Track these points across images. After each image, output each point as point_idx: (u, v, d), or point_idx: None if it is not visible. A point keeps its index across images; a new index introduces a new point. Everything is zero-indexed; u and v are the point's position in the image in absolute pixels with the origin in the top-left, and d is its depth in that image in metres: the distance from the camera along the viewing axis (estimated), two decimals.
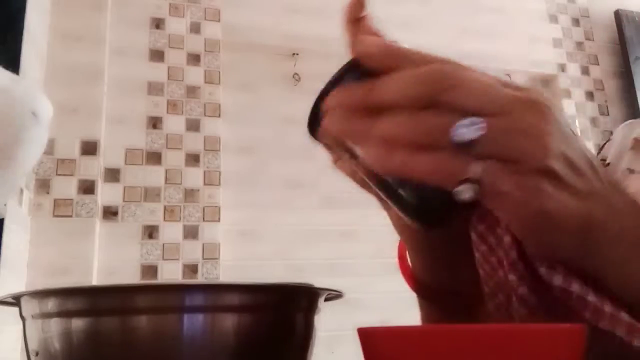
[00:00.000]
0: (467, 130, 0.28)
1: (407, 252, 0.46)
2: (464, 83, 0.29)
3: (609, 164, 0.50)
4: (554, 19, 2.69)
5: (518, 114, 0.29)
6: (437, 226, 0.34)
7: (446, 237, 0.41)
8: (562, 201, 0.29)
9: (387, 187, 0.34)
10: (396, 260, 0.46)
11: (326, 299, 0.47)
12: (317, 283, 0.43)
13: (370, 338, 0.29)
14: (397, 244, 0.46)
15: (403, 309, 2.30)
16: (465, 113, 0.28)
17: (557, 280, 0.32)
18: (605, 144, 0.54)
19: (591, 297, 0.32)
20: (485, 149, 0.28)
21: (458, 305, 0.43)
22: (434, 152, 0.28)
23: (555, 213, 0.29)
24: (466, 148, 0.28)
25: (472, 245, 0.40)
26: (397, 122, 0.29)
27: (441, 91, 0.29)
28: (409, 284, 0.46)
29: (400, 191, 0.33)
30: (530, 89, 0.31)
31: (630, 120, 0.53)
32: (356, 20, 0.39)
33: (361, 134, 0.30)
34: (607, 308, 0.31)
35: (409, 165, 0.29)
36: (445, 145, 0.28)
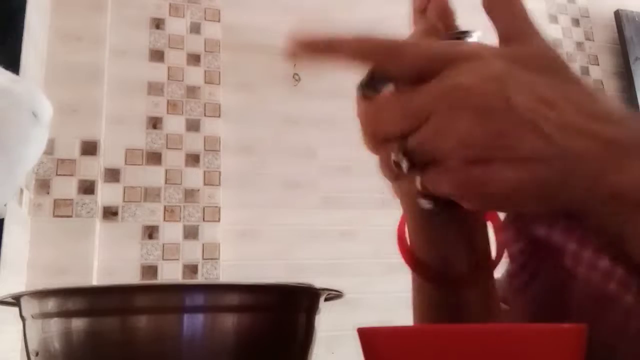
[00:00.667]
0: (400, 161, 0.31)
1: (406, 230, 0.46)
2: (384, 115, 0.33)
3: None
4: (553, 19, 2.69)
5: (435, 114, 0.30)
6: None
7: (447, 216, 0.42)
8: (504, 179, 0.29)
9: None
10: (396, 237, 0.46)
11: (326, 299, 0.47)
12: (317, 283, 0.43)
13: (370, 338, 0.29)
14: (398, 223, 0.46)
15: (403, 309, 2.29)
16: (399, 138, 0.31)
17: (540, 230, 0.34)
18: None
19: (571, 245, 0.32)
20: (418, 158, 0.31)
21: (451, 285, 0.44)
22: (395, 181, 0.35)
23: (504, 191, 0.29)
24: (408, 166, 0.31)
25: (469, 226, 0.42)
26: (385, 104, 0.34)
27: (374, 133, 0.33)
28: (406, 261, 0.46)
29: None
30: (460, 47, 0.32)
31: None
32: (423, 10, 0.41)
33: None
34: (587, 254, 0.32)
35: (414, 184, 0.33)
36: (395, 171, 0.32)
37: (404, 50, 0.32)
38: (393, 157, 0.31)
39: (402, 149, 0.30)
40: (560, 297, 0.36)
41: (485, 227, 0.44)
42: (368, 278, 2.03)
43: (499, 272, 0.44)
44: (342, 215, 2.10)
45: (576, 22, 2.74)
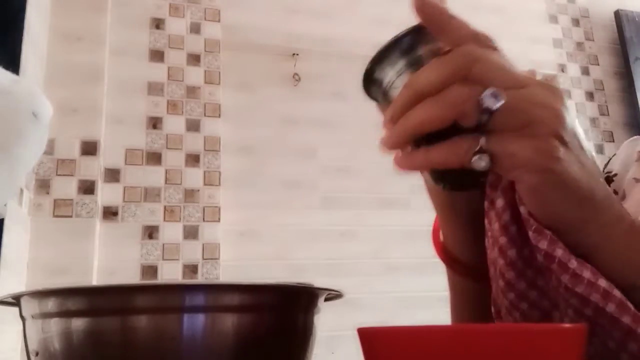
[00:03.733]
0: (490, 100, 0.31)
1: (440, 230, 0.48)
2: (486, 60, 0.32)
3: (615, 175, 0.53)
4: (554, 19, 2.69)
5: (533, 88, 0.32)
6: (460, 188, 0.39)
7: (476, 210, 0.43)
8: (572, 167, 0.32)
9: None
10: (431, 236, 0.48)
11: (326, 299, 0.47)
12: (317, 283, 0.43)
13: (370, 338, 0.29)
14: (433, 224, 0.49)
15: (403, 309, 2.31)
16: (487, 85, 0.31)
17: (543, 244, 0.34)
18: (611, 159, 0.58)
19: (572, 263, 0.34)
20: (503, 118, 0.31)
21: (482, 279, 0.44)
22: (445, 142, 0.32)
23: (565, 176, 0.32)
24: (485, 120, 0.31)
25: None
26: (424, 108, 0.32)
27: (465, 68, 0.32)
28: (439, 256, 0.48)
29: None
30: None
31: (635, 137, 0.57)
32: None
33: (399, 138, 0.34)
34: (586, 274, 0.33)
35: (428, 160, 0.33)
36: (467, 111, 0.31)
37: (488, 62, 0.33)
38: (485, 93, 0.31)
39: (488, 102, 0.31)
40: (559, 314, 0.36)
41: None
42: (368, 278, 2.03)
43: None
44: (342, 215, 2.10)
45: (576, 22, 2.74)
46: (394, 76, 0.36)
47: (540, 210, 0.35)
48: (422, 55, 0.36)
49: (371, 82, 0.38)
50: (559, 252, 0.34)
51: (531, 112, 0.31)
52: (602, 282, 0.33)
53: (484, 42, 0.34)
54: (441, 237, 0.48)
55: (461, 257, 0.46)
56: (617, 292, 0.33)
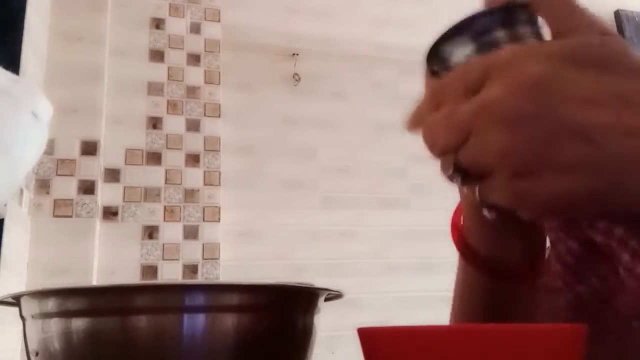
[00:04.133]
0: (451, 176, 0.31)
1: (461, 215, 0.46)
2: (437, 130, 0.31)
3: None
4: None
5: (477, 131, 0.29)
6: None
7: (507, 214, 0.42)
8: (551, 190, 0.28)
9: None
10: (449, 224, 0.47)
11: (326, 299, 0.47)
12: (317, 283, 0.43)
13: (370, 338, 0.29)
14: (454, 209, 0.47)
15: (403, 309, 2.30)
16: (451, 151, 0.30)
17: (601, 224, 0.34)
18: None
19: (633, 243, 0.32)
20: (474, 174, 0.30)
21: (501, 274, 0.44)
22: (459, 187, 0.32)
23: (553, 200, 0.28)
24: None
25: (527, 224, 0.42)
26: (435, 119, 0.31)
27: (430, 148, 0.31)
28: (458, 249, 0.46)
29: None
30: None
31: None
32: None
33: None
34: (639, 268, 0.31)
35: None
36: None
37: (444, 85, 0.31)
38: (449, 170, 0.31)
39: (454, 162, 0.30)
40: (607, 306, 0.36)
41: (543, 228, 0.44)
42: (368, 278, 2.03)
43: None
44: (342, 215, 2.10)
45: None
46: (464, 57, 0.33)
47: (612, 213, 0.32)
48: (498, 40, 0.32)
49: (436, 57, 0.35)
50: (619, 231, 0.33)
51: (481, 164, 0.29)
52: None
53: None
54: (461, 224, 0.47)
55: (480, 249, 0.45)
56: None
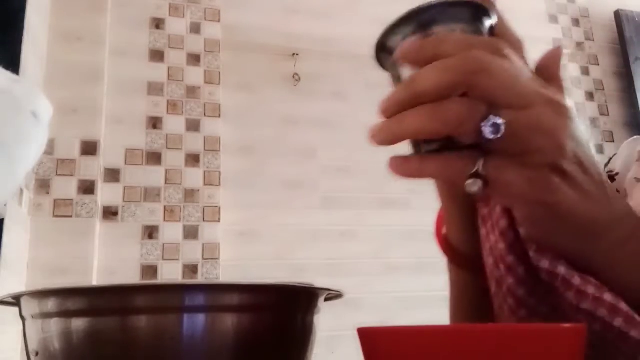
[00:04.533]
0: (489, 130, 0.29)
1: (444, 225, 0.48)
2: (492, 73, 0.30)
3: (617, 174, 0.53)
4: (554, 19, 2.69)
5: (538, 109, 0.30)
6: None
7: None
8: (570, 198, 0.31)
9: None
10: (434, 231, 0.48)
11: (326, 299, 0.47)
12: (317, 283, 0.43)
13: (370, 338, 0.29)
14: (437, 213, 0.48)
15: (403, 309, 2.30)
16: (490, 102, 0.29)
17: (544, 263, 0.34)
18: (611, 158, 0.58)
19: (576, 280, 0.34)
20: (501, 144, 0.30)
21: (484, 274, 0.44)
22: (442, 155, 0.31)
23: (562, 207, 0.31)
24: (483, 143, 0.30)
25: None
26: (421, 114, 0.30)
27: (469, 78, 0.29)
28: (441, 247, 0.48)
29: None
30: (553, 89, 0.32)
31: (635, 137, 0.57)
32: None
33: (392, 134, 0.32)
34: (590, 290, 0.33)
35: (421, 170, 0.32)
36: (464, 130, 0.29)
37: (494, 75, 0.30)
38: (485, 121, 0.29)
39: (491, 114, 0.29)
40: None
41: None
42: (368, 278, 2.03)
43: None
44: (342, 215, 2.10)
45: (576, 22, 2.74)
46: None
47: (537, 236, 0.35)
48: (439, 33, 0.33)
49: (384, 50, 0.35)
50: (562, 269, 0.34)
51: (531, 140, 0.30)
52: (608, 297, 0.33)
53: (501, 47, 0.31)
54: (444, 229, 0.48)
55: (463, 249, 0.46)
56: (623, 306, 0.32)
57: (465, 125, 0.29)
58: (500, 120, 0.29)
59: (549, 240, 0.34)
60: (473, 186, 0.30)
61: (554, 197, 0.30)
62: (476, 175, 0.30)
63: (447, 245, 0.47)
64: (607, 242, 0.33)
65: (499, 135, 0.29)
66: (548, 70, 0.36)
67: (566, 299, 0.34)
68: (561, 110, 0.31)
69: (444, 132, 0.30)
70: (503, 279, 0.38)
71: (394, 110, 0.32)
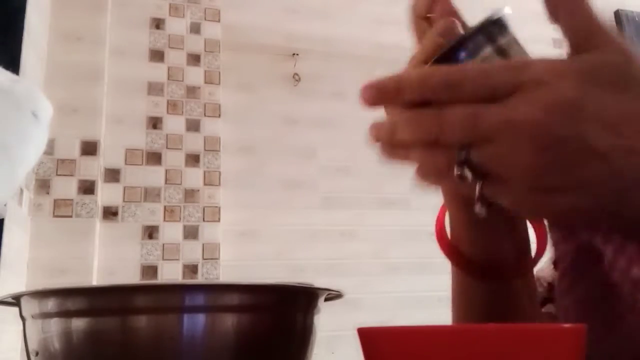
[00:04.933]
0: (461, 172, 0.30)
1: (446, 224, 0.47)
2: (448, 122, 0.30)
3: None
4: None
5: (500, 140, 0.30)
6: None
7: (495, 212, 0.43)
8: (562, 205, 0.30)
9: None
10: (434, 230, 0.47)
11: (326, 299, 0.47)
12: (317, 283, 0.43)
13: (370, 338, 0.29)
14: (437, 215, 0.48)
15: (403, 309, 2.30)
16: (460, 147, 0.30)
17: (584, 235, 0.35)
18: None
19: (609, 252, 0.34)
20: (487, 172, 0.30)
21: (496, 277, 0.44)
22: (446, 180, 0.32)
23: (561, 213, 0.30)
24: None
25: (516, 221, 0.43)
26: (415, 159, 0.33)
27: (434, 135, 0.31)
28: (448, 256, 0.47)
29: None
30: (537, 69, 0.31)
31: None
32: (424, 15, 0.41)
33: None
34: (621, 262, 0.33)
35: (408, 161, 0.33)
36: (440, 141, 0.31)
37: (465, 81, 0.31)
38: (455, 165, 0.30)
39: (462, 157, 0.30)
40: (602, 303, 0.36)
41: (524, 221, 0.45)
42: (368, 278, 2.03)
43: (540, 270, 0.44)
44: (342, 215, 2.10)
45: None
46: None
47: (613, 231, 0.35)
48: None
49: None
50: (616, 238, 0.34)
51: (500, 170, 0.30)
52: None
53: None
54: (447, 232, 0.47)
55: (467, 251, 0.45)
56: None
57: (442, 174, 0.31)
58: (460, 169, 0.30)
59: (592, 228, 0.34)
60: (480, 211, 0.31)
61: (549, 210, 0.30)
62: (480, 199, 0.31)
63: (450, 247, 0.46)
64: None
65: (468, 179, 0.30)
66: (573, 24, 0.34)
67: (616, 266, 0.34)
68: (523, 128, 0.29)
69: (432, 182, 0.32)
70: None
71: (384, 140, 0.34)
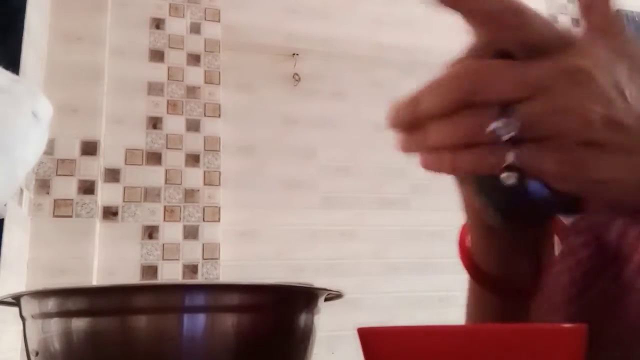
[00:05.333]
0: (502, 129, 0.28)
1: (468, 237, 0.46)
2: (491, 78, 0.29)
3: None
4: (554, 19, 2.69)
5: (555, 90, 0.29)
6: (523, 227, 0.38)
7: (514, 230, 0.42)
8: (611, 167, 0.29)
9: (479, 187, 0.38)
10: (457, 243, 0.47)
11: (326, 299, 0.47)
12: (317, 283, 0.43)
13: (370, 338, 0.29)
14: (460, 228, 0.47)
15: (403, 309, 2.30)
16: (502, 104, 0.29)
17: (612, 237, 0.35)
18: None
19: (637, 255, 0.33)
20: (524, 134, 0.29)
21: (510, 293, 0.44)
22: (473, 149, 0.30)
23: (607, 179, 0.29)
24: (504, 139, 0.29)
25: (535, 238, 0.43)
26: (438, 131, 0.30)
27: (472, 93, 0.29)
28: (465, 267, 0.46)
29: (490, 193, 0.37)
30: (574, 47, 0.30)
31: None
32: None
33: (416, 146, 0.32)
34: None
35: (455, 165, 0.31)
36: (484, 140, 0.29)
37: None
38: (493, 125, 0.29)
39: (506, 113, 0.29)
40: (618, 307, 0.36)
41: (551, 237, 0.44)
42: (368, 278, 2.03)
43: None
44: (342, 215, 2.10)
45: (576, 22, 2.73)
46: None
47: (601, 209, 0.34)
48: None
49: None
50: (633, 232, 0.34)
51: (551, 124, 0.28)
52: None
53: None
54: (468, 243, 0.46)
55: (487, 268, 0.45)
56: None
57: (478, 135, 0.29)
58: (507, 120, 0.28)
59: (613, 208, 0.33)
60: (508, 179, 0.29)
61: (594, 173, 0.29)
62: (509, 167, 0.29)
63: (471, 263, 0.46)
64: None
65: (512, 134, 0.28)
66: (594, 12, 0.33)
67: (631, 262, 0.33)
68: (581, 80, 0.28)
69: (465, 140, 0.30)
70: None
71: (404, 127, 0.32)
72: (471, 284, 0.47)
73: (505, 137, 0.28)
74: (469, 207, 0.44)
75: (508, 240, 0.42)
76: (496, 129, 0.29)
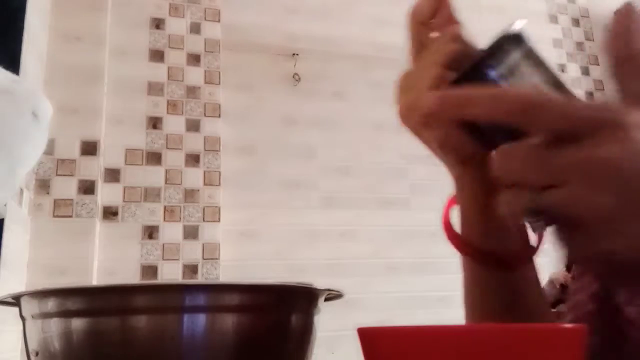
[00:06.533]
0: (534, 227, 0.31)
1: (453, 215, 0.47)
2: (544, 109, 0.29)
3: None
4: (554, 19, 2.69)
5: (599, 138, 0.28)
6: None
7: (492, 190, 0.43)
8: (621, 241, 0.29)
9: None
10: (442, 222, 0.47)
11: (326, 299, 0.47)
12: (317, 283, 0.43)
13: (370, 338, 0.29)
14: (444, 207, 0.47)
15: (403, 309, 2.30)
16: (552, 134, 0.29)
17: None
18: None
19: (632, 308, 0.34)
20: (551, 216, 0.30)
21: (506, 265, 0.45)
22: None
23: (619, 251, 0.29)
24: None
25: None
26: (524, 149, 0.30)
27: (528, 121, 0.29)
28: (454, 245, 0.47)
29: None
30: (610, 109, 0.30)
31: None
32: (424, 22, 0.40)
33: None
34: None
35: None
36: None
37: (547, 108, 0.30)
38: (522, 203, 0.30)
39: (531, 198, 0.30)
40: (614, 355, 0.36)
41: None
42: (368, 278, 2.03)
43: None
44: (342, 215, 2.10)
45: (576, 22, 2.74)
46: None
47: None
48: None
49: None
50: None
51: (574, 214, 0.29)
52: None
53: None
54: (451, 222, 0.47)
55: (477, 241, 0.46)
56: None
57: (516, 214, 0.31)
58: (532, 219, 0.30)
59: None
60: (536, 229, 0.31)
61: (613, 243, 0.29)
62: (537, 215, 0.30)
63: (459, 239, 0.47)
64: None
65: (542, 231, 0.30)
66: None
67: (622, 324, 0.35)
68: (621, 138, 0.28)
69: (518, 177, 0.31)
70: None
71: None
72: (466, 266, 0.48)
73: (536, 232, 0.31)
74: (462, 183, 0.45)
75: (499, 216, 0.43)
76: (530, 227, 0.31)
